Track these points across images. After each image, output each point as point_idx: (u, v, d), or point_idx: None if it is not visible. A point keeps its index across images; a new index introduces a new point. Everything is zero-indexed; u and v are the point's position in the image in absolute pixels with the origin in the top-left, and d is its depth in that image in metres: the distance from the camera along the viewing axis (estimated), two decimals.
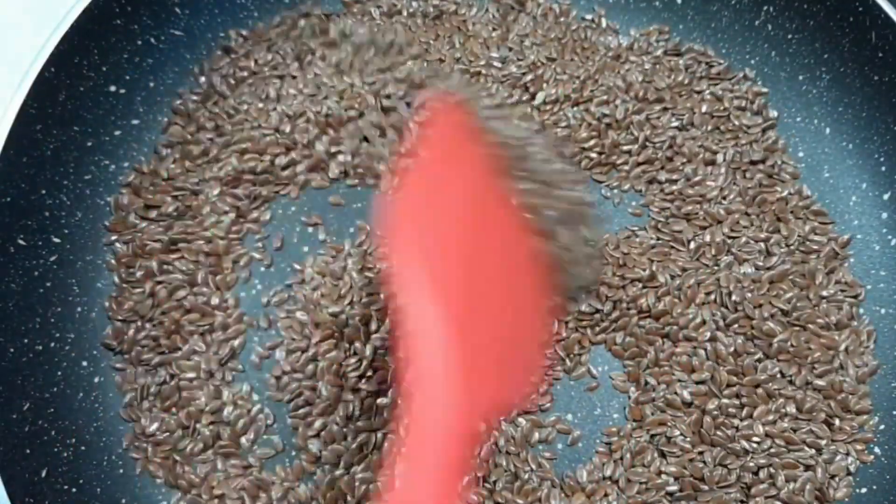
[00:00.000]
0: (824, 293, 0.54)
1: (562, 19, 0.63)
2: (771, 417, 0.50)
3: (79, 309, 0.52)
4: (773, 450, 0.49)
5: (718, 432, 0.50)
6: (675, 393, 0.50)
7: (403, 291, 0.33)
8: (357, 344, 0.50)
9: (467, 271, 0.37)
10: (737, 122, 0.59)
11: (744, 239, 0.55)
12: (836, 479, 0.50)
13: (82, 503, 0.48)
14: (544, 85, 0.59)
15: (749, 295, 0.53)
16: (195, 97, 0.59)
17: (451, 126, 0.42)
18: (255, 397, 0.51)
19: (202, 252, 0.54)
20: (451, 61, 0.60)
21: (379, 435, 0.49)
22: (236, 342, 0.52)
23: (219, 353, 0.52)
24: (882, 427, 0.51)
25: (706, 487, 0.48)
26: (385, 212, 0.35)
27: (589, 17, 0.63)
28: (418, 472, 0.31)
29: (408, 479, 0.31)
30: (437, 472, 0.31)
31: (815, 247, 0.55)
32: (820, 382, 0.51)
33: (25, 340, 0.49)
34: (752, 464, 0.49)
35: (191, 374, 0.51)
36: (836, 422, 0.50)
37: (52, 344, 0.50)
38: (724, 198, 0.56)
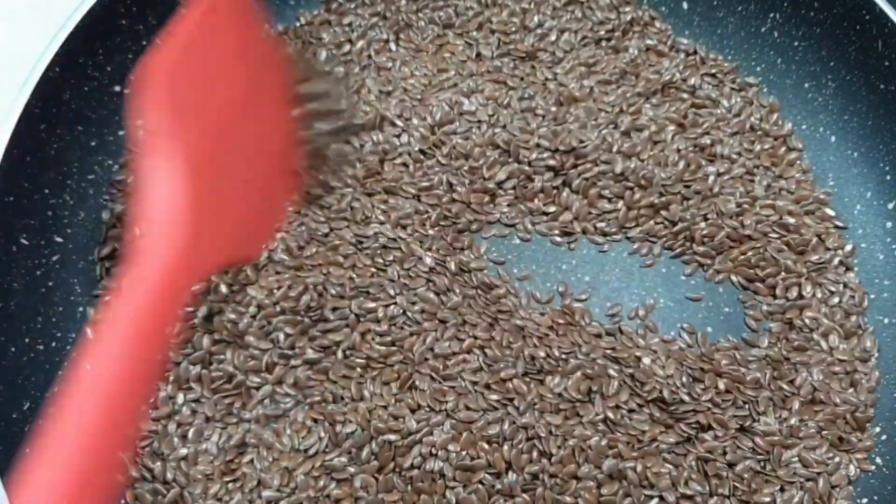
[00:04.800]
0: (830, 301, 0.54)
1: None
2: (773, 427, 0.50)
3: (80, 309, 0.52)
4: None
5: (717, 442, 0.50)
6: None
7: (146, 138, 0.35)
8: None
9: (216, 130, 0.39)
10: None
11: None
12: (838, 489, 0.49)
13: None
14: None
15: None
16: None
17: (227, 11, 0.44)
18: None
19: None
20: None
21: None
22: None
23: None
24: (884, 437, 0.51)
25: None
26: (149, 71, 0.37)
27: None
28: (124, 307, 0.33)
29: (121, 301, 0.33)
30: (143, 312, 0.33)
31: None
32: (828, 396, 0.51)
33: (27, 340, 0.49)
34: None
35: None
36: (841, 433, 0.50)
37: (54, 344, 0.51)
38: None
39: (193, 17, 0.41)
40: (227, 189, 0.39)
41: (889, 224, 0.56)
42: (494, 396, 0.50)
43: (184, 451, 0.49)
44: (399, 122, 0.57)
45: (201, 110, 0.39)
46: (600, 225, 0.56)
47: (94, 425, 0.32)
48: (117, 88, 0.56)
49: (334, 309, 0.52)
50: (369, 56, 0.60)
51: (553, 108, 0.58)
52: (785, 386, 0.51)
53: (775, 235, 0.55)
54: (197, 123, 0.38)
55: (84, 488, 0.31)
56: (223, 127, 0.40)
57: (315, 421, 0.50)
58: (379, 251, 0.54)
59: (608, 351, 0.51)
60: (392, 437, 0.49)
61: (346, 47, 0.61)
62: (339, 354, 0.51)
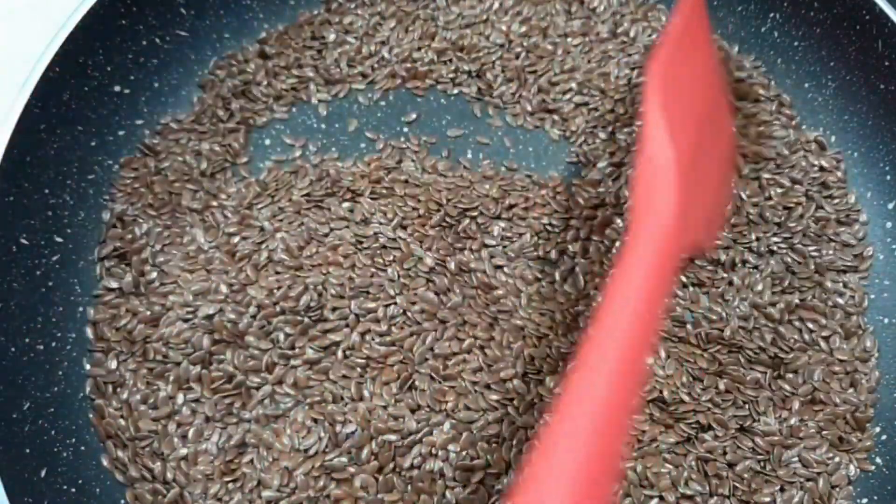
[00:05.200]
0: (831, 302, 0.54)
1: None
2: (773, 427, 0.50)
3: (80, 309, 0.52)
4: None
5: (716, 442, 0.50)
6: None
7: (651, 128, 0.42)
8: None
9: (695, 133, 0.45)
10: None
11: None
12: (837, 489, 0.49)
13: (82, 503, 0.48)
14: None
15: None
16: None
17: (699, 26, 0.51)
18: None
19: None
20: None
21: None
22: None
23: None
24: (884, 437, 0.51)
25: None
26: (650, 72, 0.44)
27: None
28: (636, 268, 0.38)
29: (625, 272, 0.38)
30: (651, 270, 0.38)
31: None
32: (828, 396, 0.51)
33: (27, 340, 0.49)
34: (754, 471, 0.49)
35: None
36: (841, 433, 0.50)
37: (54, 344, 0.50)
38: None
39: (679, 26, 0.47)
40: (698, 182, 0.44)
41: (889, 224, 0.56)
42: (494, 396, 0.50)
43: (184, 451, 0.49)
44: None
45: (685, 109, 0.45)
46: None
47: (604, 398, 0.35)
48: (117, 88, 0.56)
49: (334, 309, 0.52)
50: None
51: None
52: (785, 386, 0.51)
53: None
54: (682, 120, 0.44)
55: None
56: (698, 126, 0.46)
57: (315, 421, 0.50)
58: (379, 251, 0.54)
59: None
60: (392, 437, 0.49)
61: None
62: (339, 354, 0.51)
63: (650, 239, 0.39)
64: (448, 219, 0.55)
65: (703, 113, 0.48)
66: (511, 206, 0.56)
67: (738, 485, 0.48)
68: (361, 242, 0.54)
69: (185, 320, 0.52)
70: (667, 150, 0.41)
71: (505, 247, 0.55)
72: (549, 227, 0.55)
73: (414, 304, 0.52)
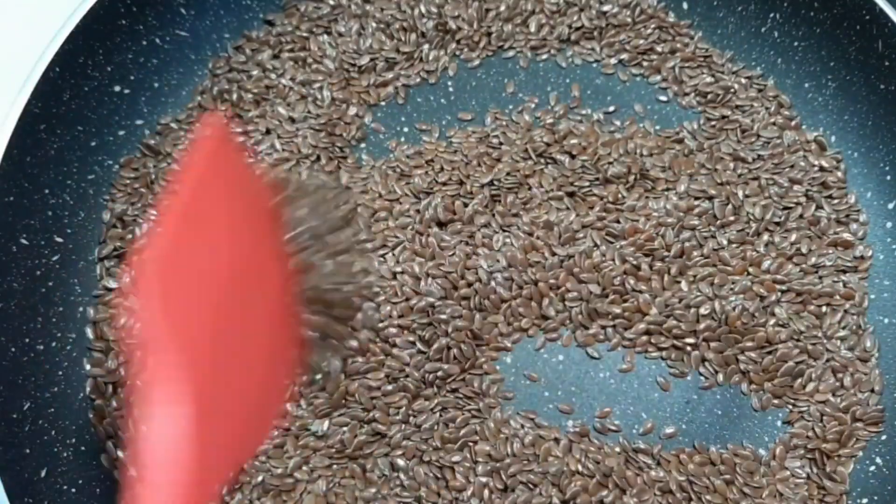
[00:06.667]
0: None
1: None
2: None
3: (80, 309, 0.52)
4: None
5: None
6: None
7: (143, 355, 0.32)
8: None
9: (215, 327, 0.35)
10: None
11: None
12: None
13: (82, 503, 0.48)
14: None
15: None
16: None
17: (222, 155, 0.39)
18: None
19: None
20: None
21: None
22: None
23: None
24: (884, 437, 0.51)
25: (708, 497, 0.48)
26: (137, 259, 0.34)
27: None
28: None
29: None
30: None
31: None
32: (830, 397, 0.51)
33: (27, 340, 0.49)
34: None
35: None
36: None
37: (54, 344, 0.50)
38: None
39: (192, 184, 0.36)
40: (228, 391, 0.35)
41: (889, 224, 0.56)
42: None
43: None
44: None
45: (195, 301, 0.34)
46: None
47: None
48: (117, 88, 0.56)
49: None
50: None
51: None
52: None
53: None
54: (192, 317, 0.34)
55: None
56: (220, 308, 0.36)
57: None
58: None
59: None
60: None
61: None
62: None
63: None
64: None
65: (228, 282, 0.36)
66: None
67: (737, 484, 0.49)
68: None
69: None
70: (172, 391, 0.31)
71: None
72: None
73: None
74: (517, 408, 0.51)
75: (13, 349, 0.48)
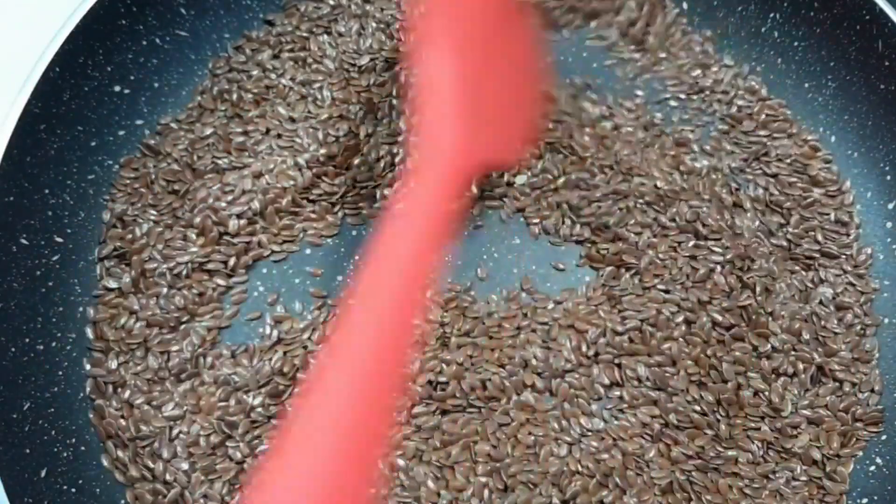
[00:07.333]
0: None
1: None
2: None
3: (80, 309, 0.52)
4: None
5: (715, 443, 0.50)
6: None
7: (423, 46, 0.40)
8: None
9: (482, 41, 0.43)
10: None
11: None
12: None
13: (82, 503, 0.48)
14: None
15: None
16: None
17: None
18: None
19: None
20: None
21: None
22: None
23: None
24: (884, 437, 0.51)
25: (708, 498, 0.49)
26: None
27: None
28: (421, 189, 0.37)
29: (412, 195, 0.37)
30: (436, 190, 0.37)
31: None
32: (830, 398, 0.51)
33: (27, 340, 0.49)
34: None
35: None
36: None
37: (54, 344, 0.50)
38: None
39: None
40: (489, 97, 0.42)
41: (889, 224, 0.56)
42: None
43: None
44: None
45: (465, 25, 0.43)
46: None
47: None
48: (117, 88, 0.56)
49: None
50: None
51: None
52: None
53: None
54: (462, 38, 0.42)
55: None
56: (485, 36, 0.44)
57: None
58: None
59: None
60: None
61: None
62: None
63: (433, 161, 0.38)
64: None
65: (488, 25, 0.45)
66: None
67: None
68: None
69: None
70: (443, 71, 0.39)
71: None
72: None
73: None
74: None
75: (13, 349, 0.48)
